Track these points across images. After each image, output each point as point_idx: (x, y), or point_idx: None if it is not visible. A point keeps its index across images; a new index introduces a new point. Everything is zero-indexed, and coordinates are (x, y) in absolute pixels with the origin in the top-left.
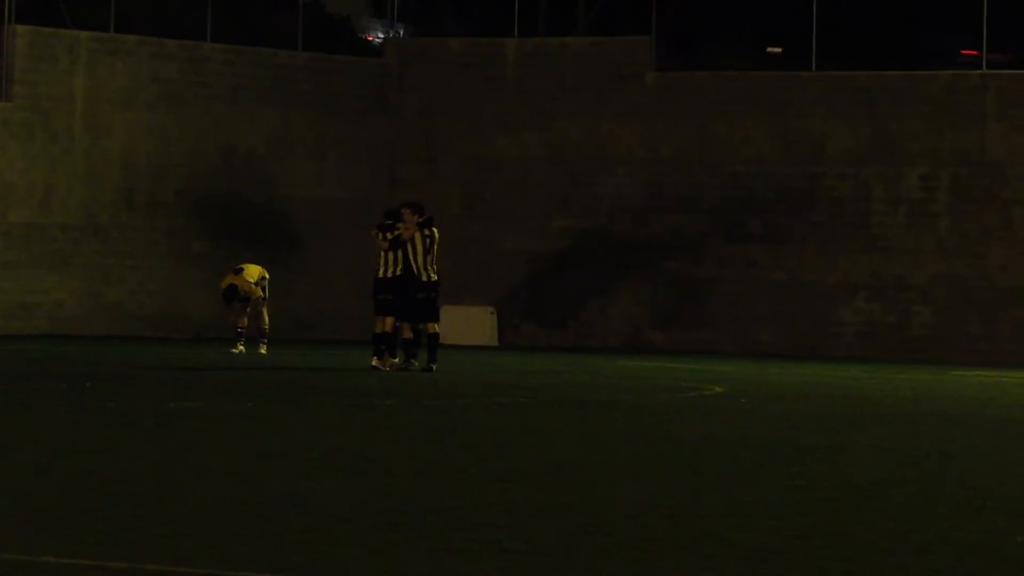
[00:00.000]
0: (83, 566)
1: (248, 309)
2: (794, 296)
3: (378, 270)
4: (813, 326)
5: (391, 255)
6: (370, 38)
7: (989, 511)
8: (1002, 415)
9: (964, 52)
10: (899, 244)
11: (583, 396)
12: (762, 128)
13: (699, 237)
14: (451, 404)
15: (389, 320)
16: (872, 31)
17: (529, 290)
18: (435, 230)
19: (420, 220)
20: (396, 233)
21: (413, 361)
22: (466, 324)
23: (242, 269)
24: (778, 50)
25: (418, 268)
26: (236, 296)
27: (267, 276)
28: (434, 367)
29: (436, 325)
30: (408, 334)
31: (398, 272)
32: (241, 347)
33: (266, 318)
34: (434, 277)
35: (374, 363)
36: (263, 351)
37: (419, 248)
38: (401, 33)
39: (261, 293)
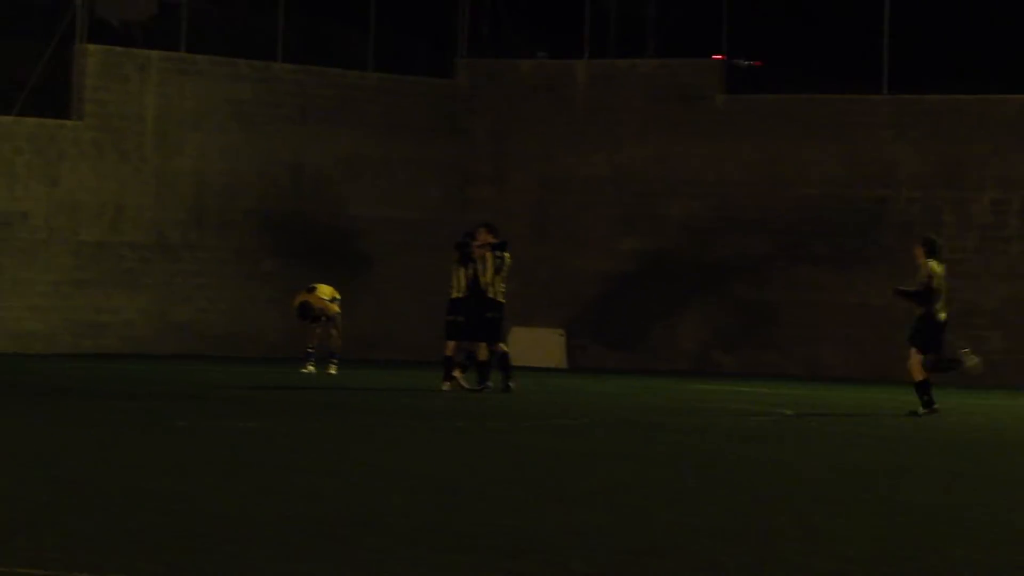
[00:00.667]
0: None
1: (323, 328)
2: (863, 320)
3: (451, 291)
4: (882, 350)
5: (462, 273)
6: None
7: None
8: None
9: None
10: (969, 268)
11: (650, 418)
12: (831, 151)
13: (766, 259)
14: (516, 426)
15: (451, 344)
16: (943, 54)
17: (597, 312)
18: (507, 255)
19: (494, 241)
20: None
21: (488, 383)
22: (535, 346)
23: (314, 288)
24: (755, 63)
25: (485, 285)
26: (310, 313)
27: (338, 296)
28: (511, 384)
29: (503, 344)
30: (483, 355)
31: (467, 293)
32: (311, 367)
33: (338, 339)
34: (500, 299)
35: (445, 387)
36: (333, 371)
37: (489, 267)
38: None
39: (338, 309)
